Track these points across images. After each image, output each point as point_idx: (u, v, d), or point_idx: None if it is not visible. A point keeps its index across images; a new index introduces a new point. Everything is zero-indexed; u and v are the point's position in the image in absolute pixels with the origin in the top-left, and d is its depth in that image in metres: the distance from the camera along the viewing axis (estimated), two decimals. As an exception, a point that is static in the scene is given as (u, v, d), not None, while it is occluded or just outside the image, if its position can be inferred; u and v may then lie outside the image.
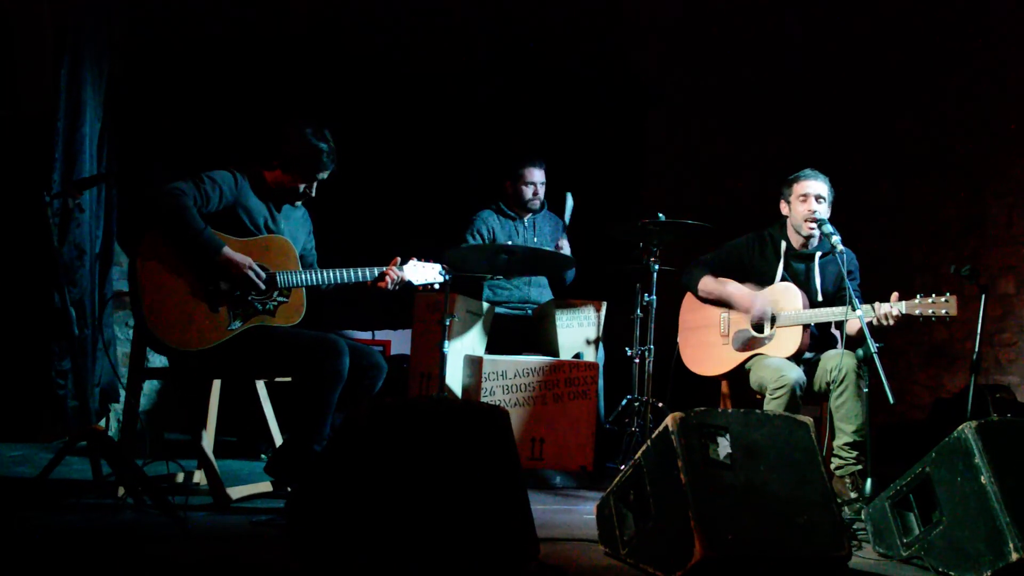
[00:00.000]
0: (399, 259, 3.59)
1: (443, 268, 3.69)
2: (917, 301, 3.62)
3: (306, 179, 3.46)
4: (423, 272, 3.63)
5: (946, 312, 3.59)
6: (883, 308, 3.64)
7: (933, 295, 3.60)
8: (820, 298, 3.93)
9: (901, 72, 5.83)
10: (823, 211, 3.92)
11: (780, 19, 6.10)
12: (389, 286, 3.55)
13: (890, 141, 5.92)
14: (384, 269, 3.54)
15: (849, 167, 6.01)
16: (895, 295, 3.65)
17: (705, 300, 4.12)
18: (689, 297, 4.20)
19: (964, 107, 5.52)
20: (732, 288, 4.03)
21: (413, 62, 5.65)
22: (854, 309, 3.59)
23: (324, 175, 3.50)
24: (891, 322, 3.63)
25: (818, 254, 4.00)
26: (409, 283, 3.61)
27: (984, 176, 5.39)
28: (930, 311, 3.60)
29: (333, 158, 3.47)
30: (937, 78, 5.66)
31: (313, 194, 3.53)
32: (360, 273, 3.50)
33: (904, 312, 3.62)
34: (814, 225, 3.89)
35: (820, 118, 6.13)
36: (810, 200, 3.93)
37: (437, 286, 3.69)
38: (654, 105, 6.35)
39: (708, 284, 4.08)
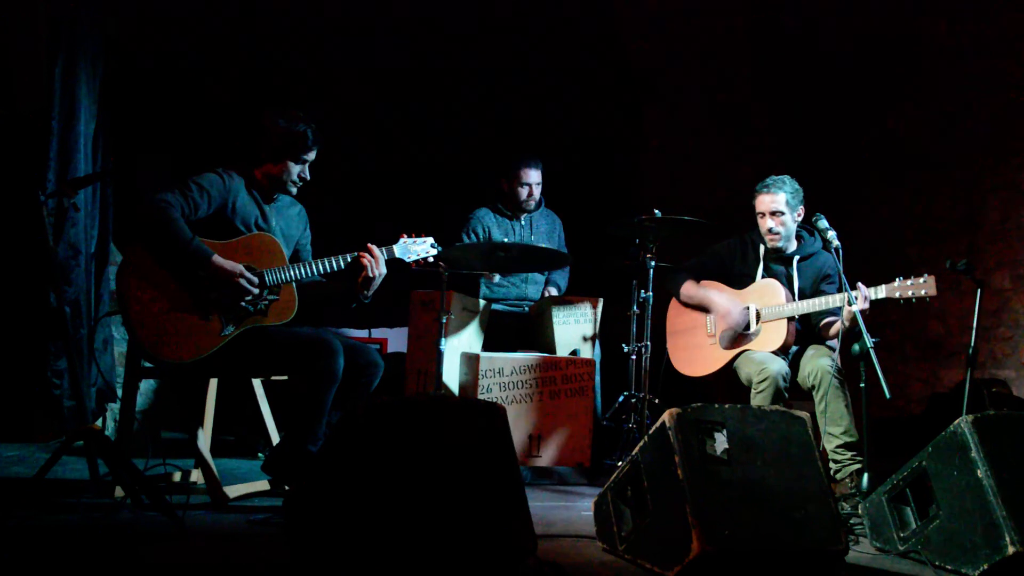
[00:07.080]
0: (373, 246, 3.46)
1: (435, 241, 3.63)
2: (896, 284, 3.63)
3: (297, 162, 3.44)
4: (414, 247, 3.58)
5: (926, 293, 3.58)
6: (864, 293, 3.62)
7: (912, 277, 3.61)
8: (796, 299, 3.96)
9: (896, 68, 5.83)
10: (786, 221, 3.97)
11: (777, 14, 6.11)
12: (370, 273, 3.41)
13: (885, 137, 5.92)
14: (357, 254, 3.42)
15: (844, 163, 6.03)
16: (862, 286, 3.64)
17: (687, 304, 4.16)
18: (675, 301, 4.25)
19: (958, 102, 5.52)
20: (713, 294, 4.06)
21: (409, 58, 5.64)
22: (851, 305, 3.59)
23: (313, 155, 3.48)
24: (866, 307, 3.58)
25: (796, 257, 4.03)
26: (401, 260, 3.55)
27: (979, 171, 5.39)
28: (910, 292, 3.60)
29: (317, 136, 3.46)
30: (931, 73, 5.67)
31: (308, 177, 3.50)
32: (337, 261, 3.42)
33: (885, 295, 3.62)
34: (777, 239, 3.97)
35: (816, 114, 6.14)
36: (766, 219, 3.98)
37: (431, 259, 3.63)
38: (651, 100, 6.35)
39: (689, 289, 4.14)
